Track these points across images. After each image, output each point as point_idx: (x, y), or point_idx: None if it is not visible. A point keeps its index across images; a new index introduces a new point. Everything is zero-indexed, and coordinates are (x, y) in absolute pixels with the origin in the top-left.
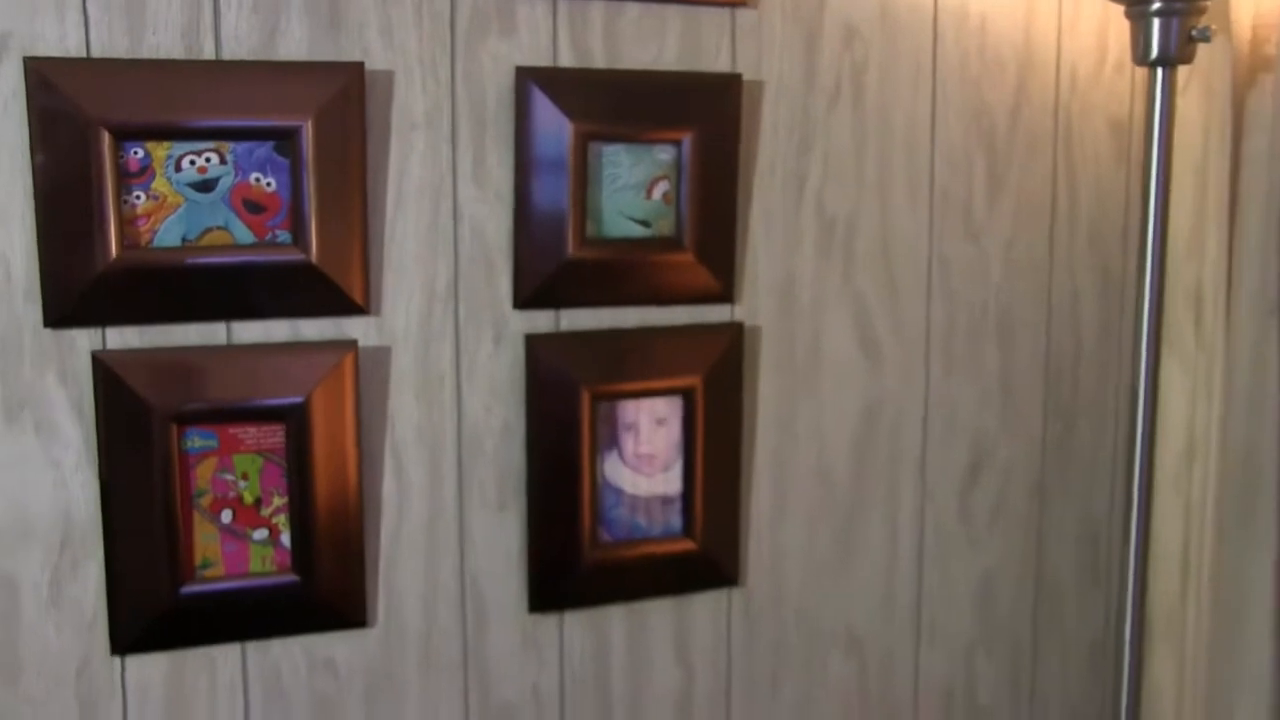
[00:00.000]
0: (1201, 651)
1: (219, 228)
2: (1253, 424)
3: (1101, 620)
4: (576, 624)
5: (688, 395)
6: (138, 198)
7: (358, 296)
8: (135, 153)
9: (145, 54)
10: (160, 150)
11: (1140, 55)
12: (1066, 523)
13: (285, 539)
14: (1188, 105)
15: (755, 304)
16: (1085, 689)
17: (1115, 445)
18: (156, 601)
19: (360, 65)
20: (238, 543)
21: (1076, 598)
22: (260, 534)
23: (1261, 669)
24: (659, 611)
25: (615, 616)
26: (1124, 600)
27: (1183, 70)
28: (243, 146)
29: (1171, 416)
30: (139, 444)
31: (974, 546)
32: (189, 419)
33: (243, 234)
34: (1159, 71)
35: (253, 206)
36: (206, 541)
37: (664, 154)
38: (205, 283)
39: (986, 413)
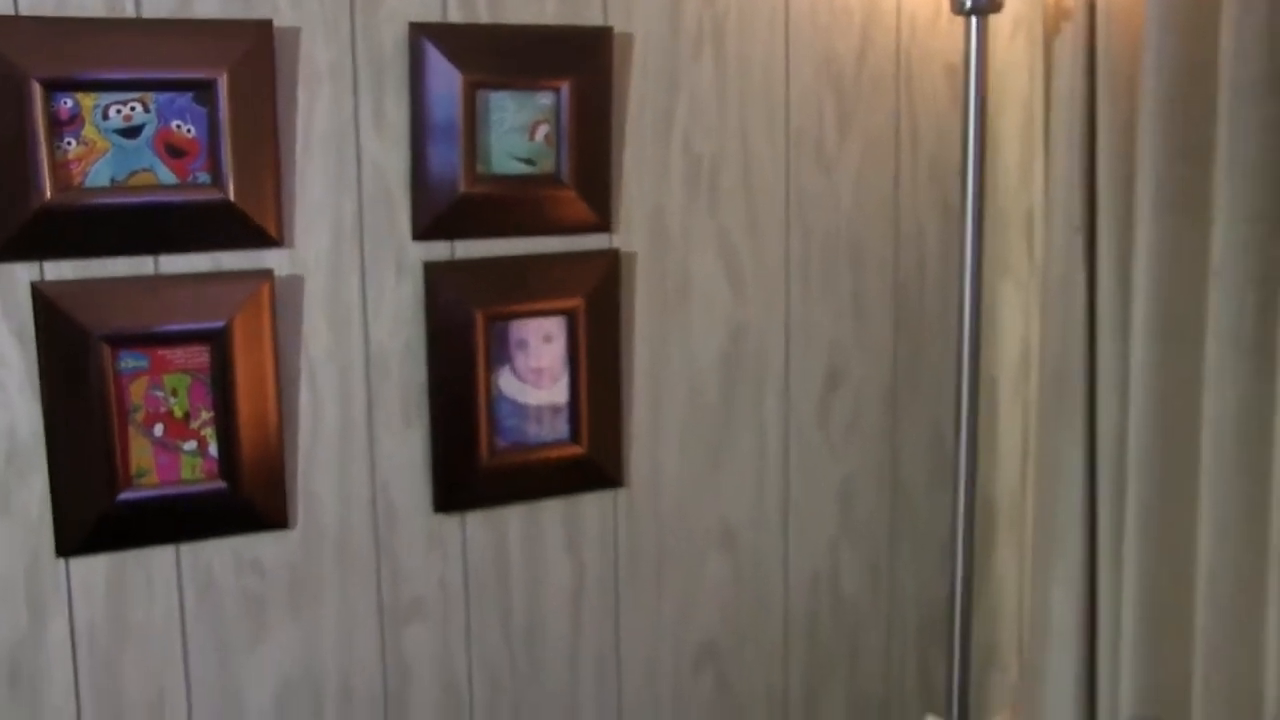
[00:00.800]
0: (1032, 548)
1: (144, 170)
2: (1064, 330)
3: (949, 516)
4: (477, 523)
5: (571, 316)
6: (69, 144)
7: (272, 231)
8: (65, 103)
9: (71, 13)
10: (88, 100)
11: (957, 5)
12: (916, 429)
13: (212, 449)
14: (1015, 50)
15: (630, 234)
16: (936, 578)
17: (959, 359)
18: (96, 507)
19: (269, 23)
20: (169, 454)
21: (927, 496)
22: (190, 445)
23: (1074, 547)
24: (551, 511)
25: (512, 516)
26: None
27: (1011, 19)
28: (164, 97)
29: (1008, 331)
30: (77, 366)
31: (833, 452)
32: (121, 342)
33: (166, 176)
34: (973, 20)
35: (174, 151)
36: (141, 452)
37: (545, 100)
38: (133, 220)
39: (841, 332)
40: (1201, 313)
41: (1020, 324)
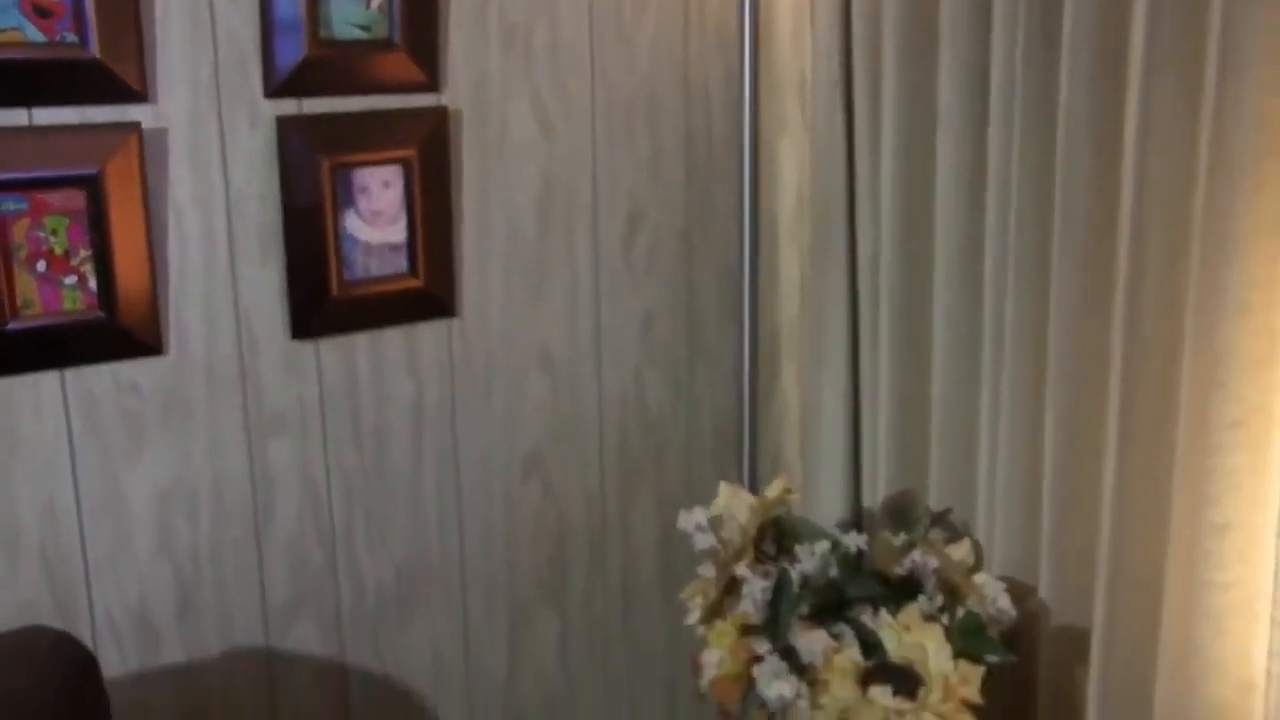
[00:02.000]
0: (806, 363)
1: (13, 29)
2: (828, 175)
3: (738, 342)
4: (329, 349)
5: (406, 164)
6: None
7: (137, 87)
8: None
9: None
10: None
11: None
12: (708, 266)
13: (92, 284)
14: None
15: (456, 92)
16: (728, 396)
17: (742, 205)
18: None
19: None
20: (52, 287)
21: (718, 325)
22: (70, 280)
23: (839, 357)
24: (394, 337)
25: (359, 342)
26: (750, 324)
27: None
28: None
29: (785, 181)
30: None
31: (636, 285)
32: (3, 187)
33: (34, 35)
34: None
35: (41, 11)
36: (26, 286)
37: None
38: (4, 75)
39: (641, 180)
40: (933, 153)
41: (795, 174)
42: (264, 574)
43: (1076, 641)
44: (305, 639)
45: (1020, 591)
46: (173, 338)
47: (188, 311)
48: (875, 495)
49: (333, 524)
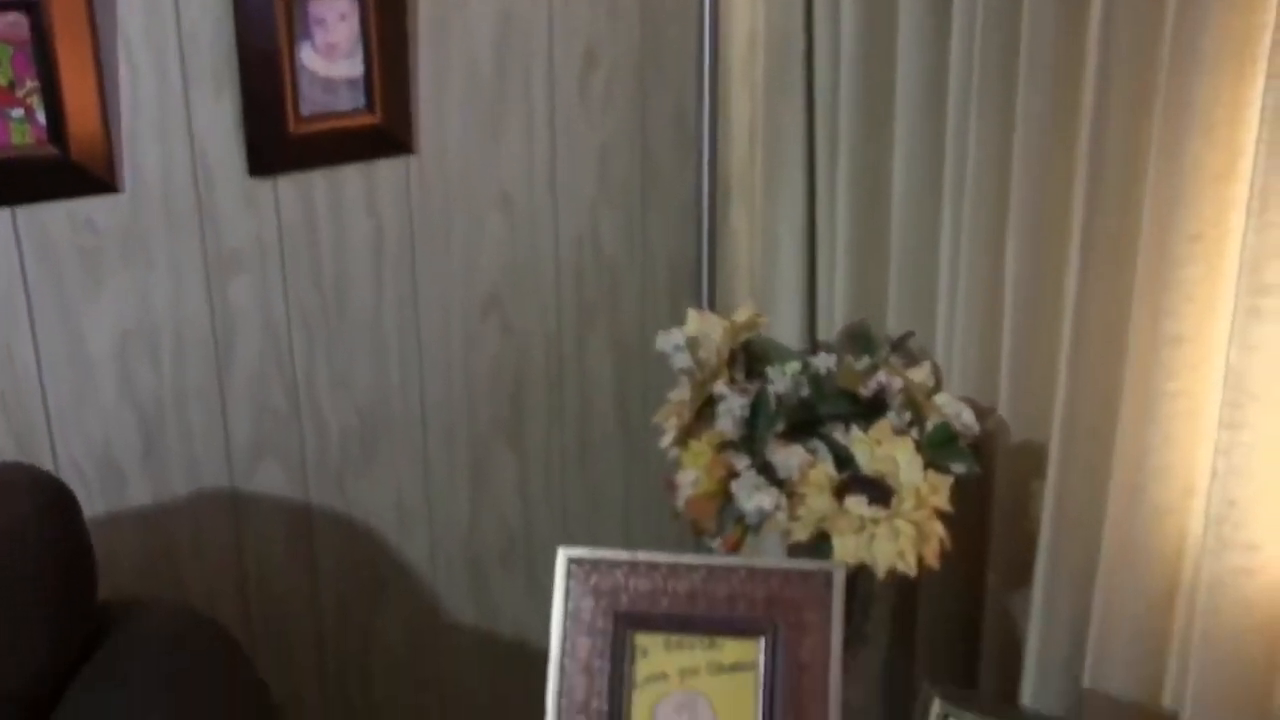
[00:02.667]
0: (761, 200)
1: None
2: (785, 13)
3: (692, 182)
4: (287, 186)
5: None
6: None
7: None
8: None
9: None
10: None
11: None
12: (662, 106)
13: (40, 117)
14: None
15: None
16: (682, 236)
17: (699, 44)
18: None
19: None
20: None
21: (672, 164)
22: (17, 112)
23: (796, 199)
24: (352, 175)
25: (318, 180)
26: (707, 163)
27: None
28: None
29: (738, 22)
30: None
31: (592, 123)
32: None
33: None
34: None
35: None
36: None
37: None
38: None
39: (597, 19)
40: None
41: (748, 14)
42: (227, 417)
43: (1034, 456)
44: (270, 481)
45: (980, 412)
46: (127, 174)
47: (142, 147)
48: (832, 330)
49: (294, 366)
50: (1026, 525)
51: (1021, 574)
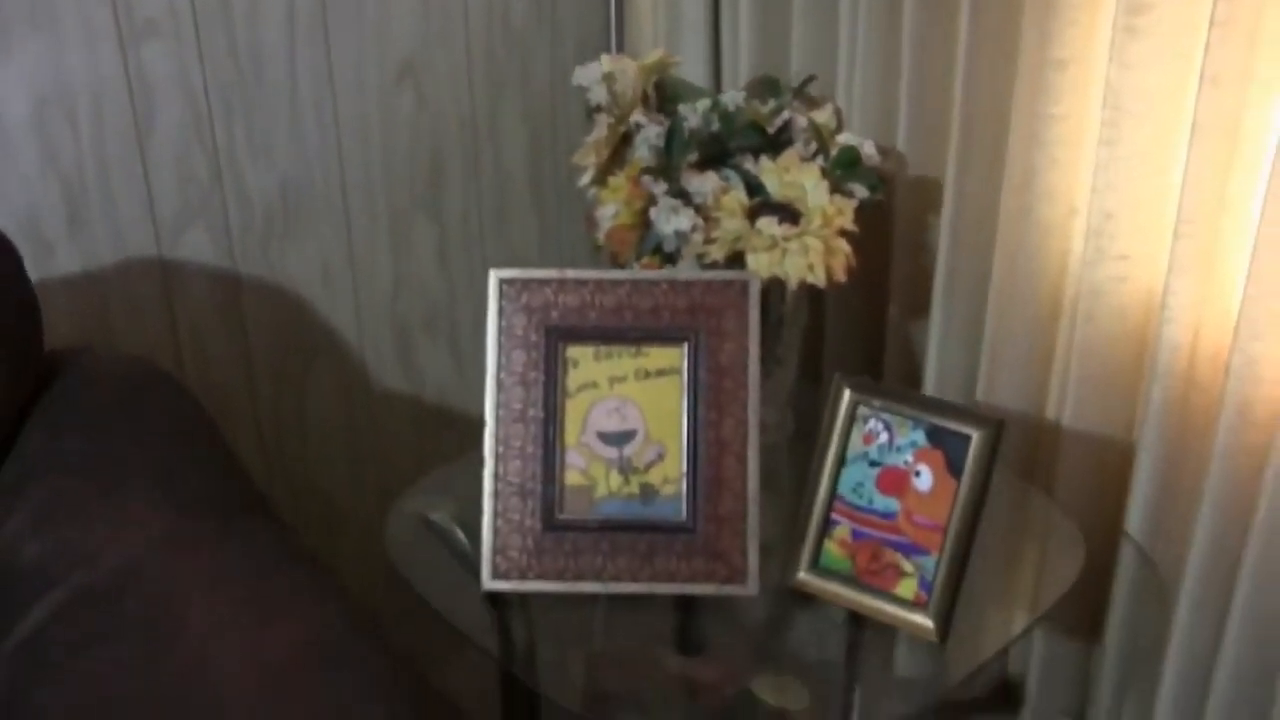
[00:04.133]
0: None
1: None
2: None
3: None
4: None
5: None
6: None
7: None
8: None
9: None
10: None
11: None
12: None
13: None
14: None
15: None
16: (590, 12)
17: None
18: None
19: None
20: None
21: None
22: None
23: None
24: None
25: None
26: None
27: None
28: None
29: None
30: None
31: None
32: None
33: None
34: None
35: None
36: None
37: None
38: None
39: None
40: None
41: None
42: (151, 186)
43: (931, 189)
44: (198, 249)
45: (880, 151)
46: None
47: None
48: (737, 82)
49: (214, 137)
50: (924, 255)
51: (921, 299)
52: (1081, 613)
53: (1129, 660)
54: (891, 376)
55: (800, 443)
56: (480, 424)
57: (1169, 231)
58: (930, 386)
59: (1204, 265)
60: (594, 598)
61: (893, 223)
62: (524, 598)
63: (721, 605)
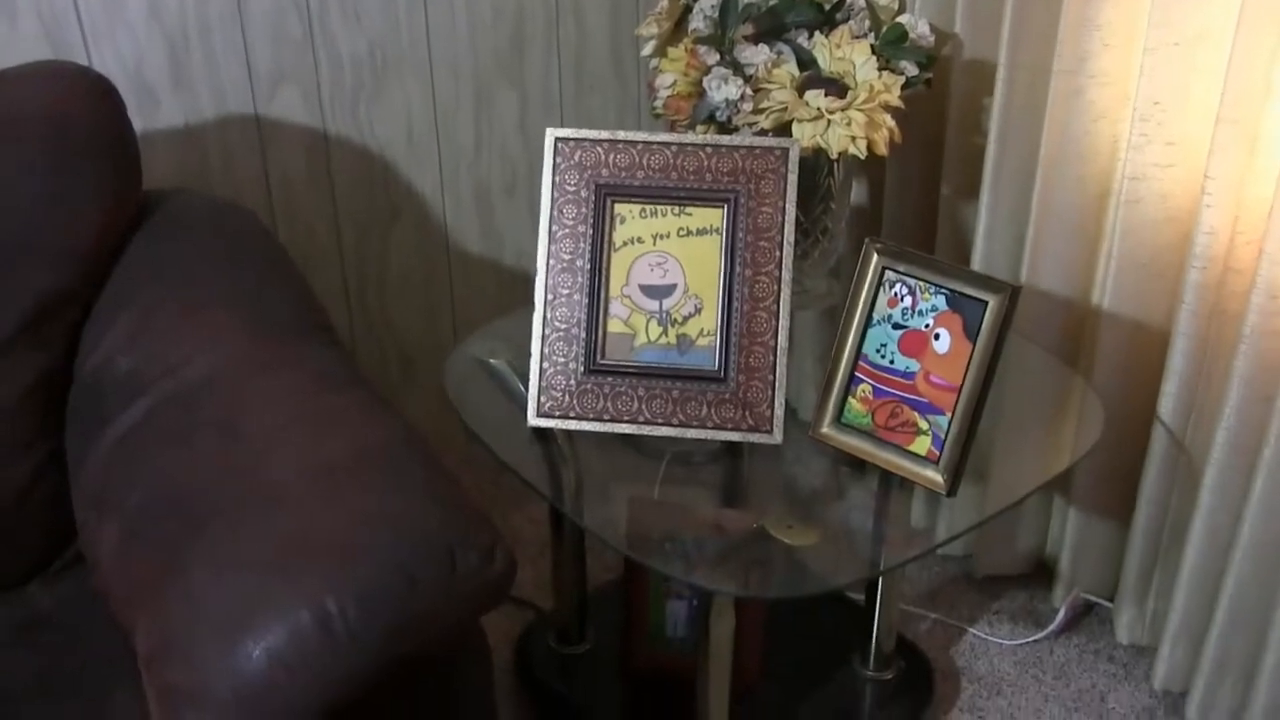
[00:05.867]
0: None
1: None
2: None
3: None
4: None
5: None
6: None
7: None
8: None
9: None
10: None
11: None
12: None
13: None
14: None
15: None
16: None
17: None
18: None
19: None
20: None
21: None
22: None
23: None
24: None
25: None
26: None
27: None
28: None
29: None
30: None
31: None
32: None
33: None
34: None
35: None
36: None
37: None
38: None
39: None
40: None
41: None
42: (248, 46)
43: (985, 72)
44: (289, 107)
45: (939, 38)
46: None
47: None
48: None
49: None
50: (977, 136)
51: (972, 180)
52: (1113, 496)
53: (1155, 542)
54: (942, 255)
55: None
56: None
57: (1213, 118)
58: (978, 266)
59: (1246, 151)
60: (638, 445)
61: (948, 105)
62: (572, 441)
63: (755, 457)
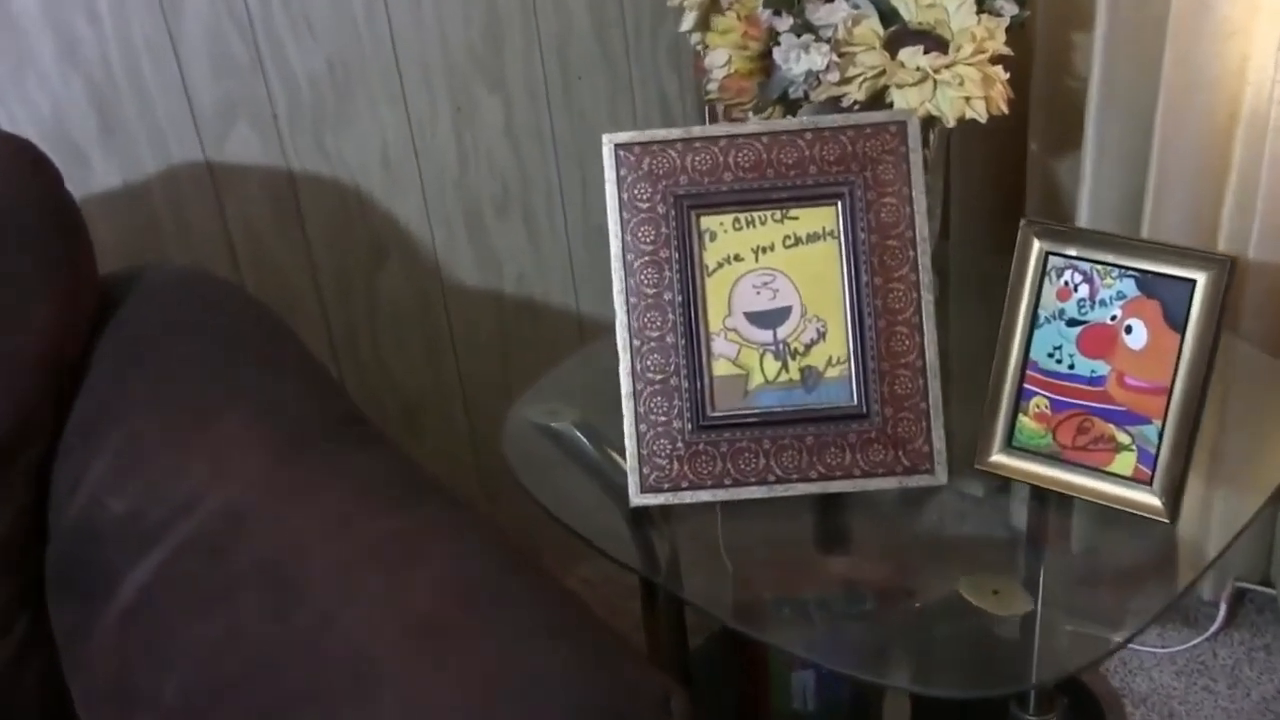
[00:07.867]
0: None
1: None
2: None
3: None
4: None
5: None
6: None
7: None
8: None
9: None
10: None
11: None
12: None
13: None
14: None
15: None
16: None
17: None
18: None
19: None
20: None
21: None
22: None
23: None
24: None
25: None
26: None
27: None
28: None
29: None
30: None
31: None
32: None
33: None
34: None
35: None
36: None
37: None
38: None
39: None
40: None
41: None
42: (185, 77)
43: (1078, 4)
44: (245, 146)
45: None
46: None
47: None
48: None
49: (249, 12)
50: (1070, 78)
51: (1067, 129)
52: None
53: None
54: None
55: (944, 306)
56: (565, 311)
57: None
58: (1084, 224)
59: None
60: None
61: (1032, 46)
62: (671, 511)
63: (903, 501)
